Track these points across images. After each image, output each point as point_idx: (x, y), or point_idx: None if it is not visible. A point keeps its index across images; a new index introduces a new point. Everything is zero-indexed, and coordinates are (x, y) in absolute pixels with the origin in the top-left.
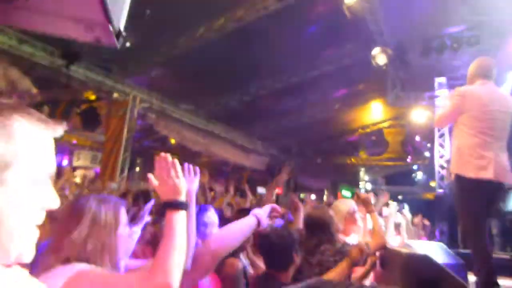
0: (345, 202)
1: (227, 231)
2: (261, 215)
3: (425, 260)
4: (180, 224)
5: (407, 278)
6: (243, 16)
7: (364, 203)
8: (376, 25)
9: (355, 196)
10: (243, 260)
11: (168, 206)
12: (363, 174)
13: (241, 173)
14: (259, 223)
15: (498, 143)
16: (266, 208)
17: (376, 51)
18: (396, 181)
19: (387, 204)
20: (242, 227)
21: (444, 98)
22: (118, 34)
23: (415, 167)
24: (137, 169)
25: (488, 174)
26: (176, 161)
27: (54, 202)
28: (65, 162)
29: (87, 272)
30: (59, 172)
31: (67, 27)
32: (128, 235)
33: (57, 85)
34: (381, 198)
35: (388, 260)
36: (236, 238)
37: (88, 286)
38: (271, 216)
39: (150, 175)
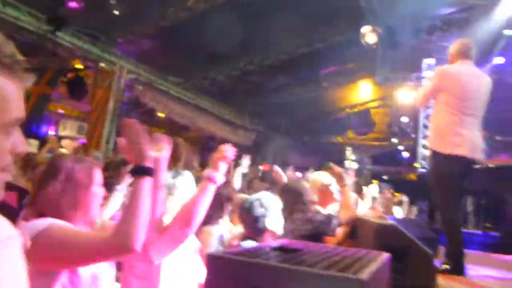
0: (321, 175)
1: (189, 205)
2: (212, 173)
3: (394, 230)
4: (144, 189)
5: (376, 247)
6: None
7: (336, 177)
8: (367, 3)
9: (330, 169)
10: (220, 228)
11: (133, 171)
12: (349, 153)
13: None
14: (215, 183)
15: (474, 121)
16: (216, 163)
17: (366, 29)
18: (382, 161)
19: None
20: (201, 196)
21: (428, 79)
22: None
23: (401, 147)
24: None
25: (463, 151)
26: (142, 127)
27: (22, 146)
28: (51, 132)
29: (56, 227)
30: (45, 141)
31: None
32: (102, 196)
33: (44, 52)
34: (348, 175)
35: (358, 230)
36: (200, 208)
37: (54, 239)
38: (222, 164)
39: (120, 139)
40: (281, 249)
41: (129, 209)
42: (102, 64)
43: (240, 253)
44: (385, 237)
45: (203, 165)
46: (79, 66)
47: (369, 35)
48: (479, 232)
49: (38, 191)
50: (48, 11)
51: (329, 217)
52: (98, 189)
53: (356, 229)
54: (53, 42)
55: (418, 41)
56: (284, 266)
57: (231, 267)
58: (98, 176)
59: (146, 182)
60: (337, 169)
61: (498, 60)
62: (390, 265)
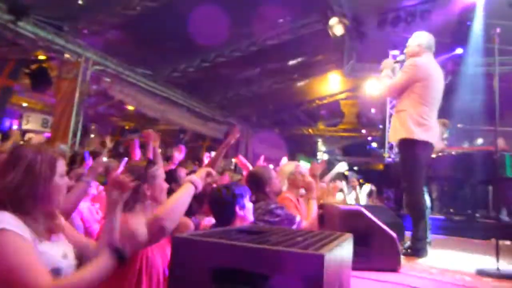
0: (289, 164)
1: (171, 205)
2: (197, 180)
3: (358, 214)
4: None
5: (342, 231)
6: None
7: (306, 186)
8: None
9: (310, 168)
10: (194, 220)
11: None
12: (320, 145)
13: (199, 142)
14: (196, 188)
15: (436, 111)
16: (202, 173)
17: (333, 21)
18: (353, 152)
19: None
20: (184, 196)
21: (385, 69)
22: None
23: (369, 138)
24: (92, 135)
25: (432, 138)
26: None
27: None
28: (15, 126)
29: (8, 237)
30: (8, 135)
31: None
32: (65, 187)
33: (5, 43)
34: (320, 165)
35: (325, 215)
36: (182, 208)
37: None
38: (206, 179)
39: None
40: (247, 231)
41: None
42: (67, 55)
43: (205, 235)
44: (350, 220)
45: (168, 158)
46: (42, 57)
47: (336, 26)
48: (443, 217)
49: None
50: (9, 0)
51: (291, 219)
52: (61, 180)
53: (326, 214)
54: (14, 32)
55: (384, 33)
56: (247, 245)
57: (195, 248)
58: (60, 166)
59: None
60: (307, 178)
61: (458, 50)
62: (353, 245)
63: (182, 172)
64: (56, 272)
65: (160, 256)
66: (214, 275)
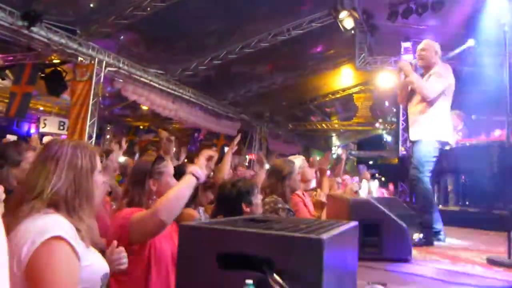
0: (297, 159)
1: (170, 197)
2: (197, 171)
3: (368, 205)
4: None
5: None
6: None
7: (320, 171)
8: None
9: (325, 156)
10: (200, 213)
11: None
12: (335, 140)
13: (214, 140)
14: (198, 179)
15: None
16: (201, 161)
17: (343, 14)
18: (367, 147)
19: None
20: (182, 188)
21: (410, 72)
22: None
23: (383, 131)
24: (107, 136)
25: (451, 138)
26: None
27: None
28: (32, 130)
29: (61, 248)
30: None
31: None
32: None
33: (20, 49)
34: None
35: (335, 206)
36: (181, 201)
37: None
38: (208, 164)
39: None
40: (252, 220)
41: None
42: (80, 58)
43: (211, 223)
44: (360, 211)
45: (189, 157)
46: (56, 61)
47: (346, 20)
48: (458, 209)
49: (37, 180)
50: (22, 6)
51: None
52: (99, 176)
53: (334, 205)
54: (28, 37)
55: (395, 25)
56: (251, 231)
57: (201, 235)
58: (98, 162)
59: None
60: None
61: (470, 42)
62: (364, 236)
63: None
64: (105, 276)
65: (168, 244)
66: (220, 260)
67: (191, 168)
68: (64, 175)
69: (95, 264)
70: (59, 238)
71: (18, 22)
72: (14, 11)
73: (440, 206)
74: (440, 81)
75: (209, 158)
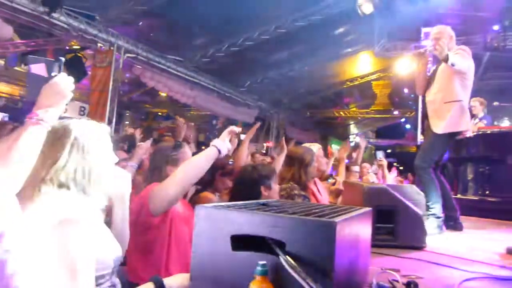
0: (312, 147)
1: (189, 164)
2: (220, 144)
3: (383, 191)
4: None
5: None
6: None
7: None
8: None
9: (343, 145)
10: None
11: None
12: (353, 128)
13: None
14: (219, 152)
15: None
16: (224, 135)
17: None
18: (386, 135)
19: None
20: (201, 157)
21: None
22: None
23: (403, 119)
24: (126, 122)
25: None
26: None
27: None
28: None
29: (73, 226)
30: None
31: None
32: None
33: (41, 34)
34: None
35: (350, 193)
36: (198, 170)
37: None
38: (231, 139)
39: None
40: (266, 204)
41: None
42: (100, 44)
43: (226, 206)
44: (375, 198)
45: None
46: (76, 46)
47: (365, 5)
48: (478, 198)
49: (45, 161)
50: None
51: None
52: (110, 157)
53: (349, 191)
54: (49, 23)
55: (415, 9)
56: (265, 214)
57: (216, 217)
58: (109, 143)
59: None
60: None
61: (494, 27)
62: (378, 222)
63: None
64: (118, 259)
65: (187, 227)
66: (234, 242)
67: (214, 140)
68: (73, 155)
69: (107, 246)
70: (71, 219)
71: (39, 8)
72: None
73: (459, 195)
74: (464, 60)
75: (230, 133)
